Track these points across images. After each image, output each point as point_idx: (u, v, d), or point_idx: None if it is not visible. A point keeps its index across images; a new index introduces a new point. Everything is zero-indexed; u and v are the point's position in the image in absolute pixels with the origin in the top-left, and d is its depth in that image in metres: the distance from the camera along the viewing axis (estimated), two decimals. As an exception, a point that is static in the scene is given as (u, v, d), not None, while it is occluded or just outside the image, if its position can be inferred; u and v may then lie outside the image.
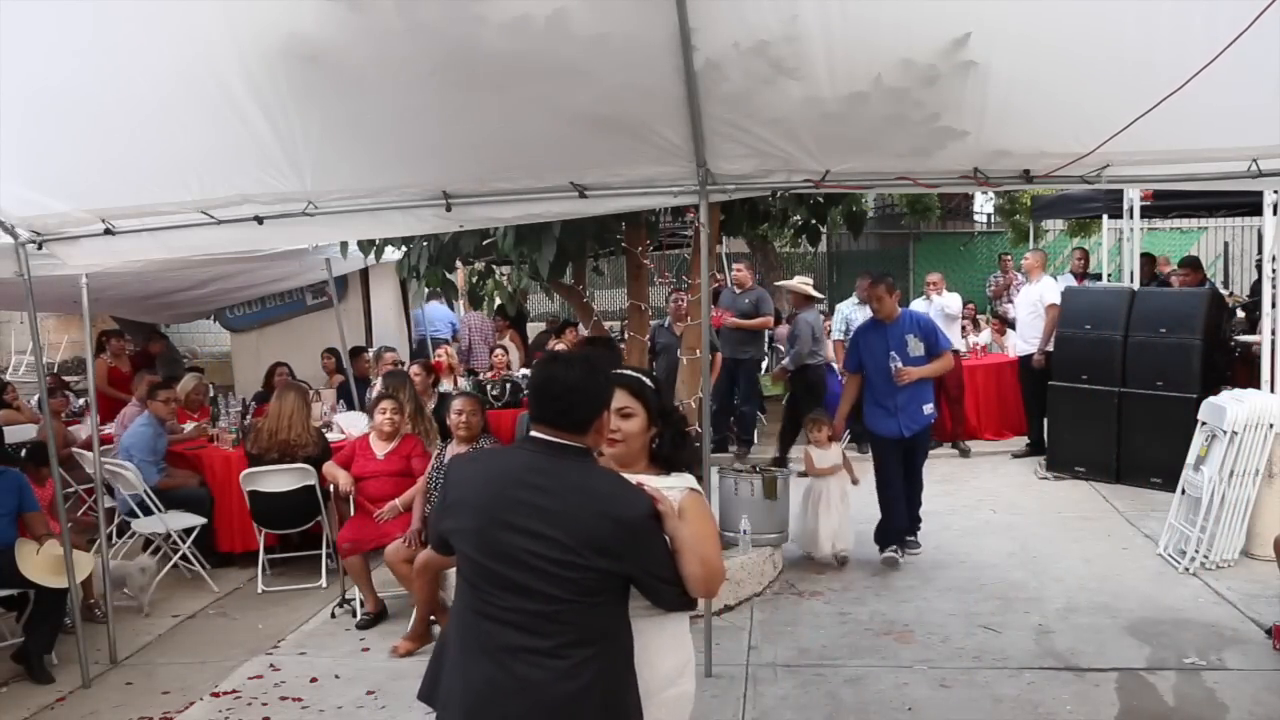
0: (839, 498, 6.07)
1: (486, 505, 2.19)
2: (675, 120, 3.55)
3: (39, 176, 4.10)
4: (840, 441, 5.86)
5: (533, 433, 2.25)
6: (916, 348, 5.86)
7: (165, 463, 6.59)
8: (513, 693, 2.14)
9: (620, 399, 2.38)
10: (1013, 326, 9.66)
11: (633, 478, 2.32)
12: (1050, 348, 8.43)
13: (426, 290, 10.11)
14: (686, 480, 2.40)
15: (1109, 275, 11.02)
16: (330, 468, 5.71)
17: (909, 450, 6.00)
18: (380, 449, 5.61)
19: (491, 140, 3.74)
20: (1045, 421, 8.59)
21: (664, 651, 2.34)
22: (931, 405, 6.01)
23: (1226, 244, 16.49)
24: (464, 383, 8.42)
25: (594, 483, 2.19)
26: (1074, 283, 9.52)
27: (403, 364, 9.05)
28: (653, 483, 2.34)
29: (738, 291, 8.94)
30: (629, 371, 2.55)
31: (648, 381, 2.46)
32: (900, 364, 5.79)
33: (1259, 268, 8.58)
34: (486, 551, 2.17)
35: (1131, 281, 9.51)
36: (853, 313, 8.84)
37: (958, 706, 4.14)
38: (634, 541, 2.14)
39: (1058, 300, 8.43)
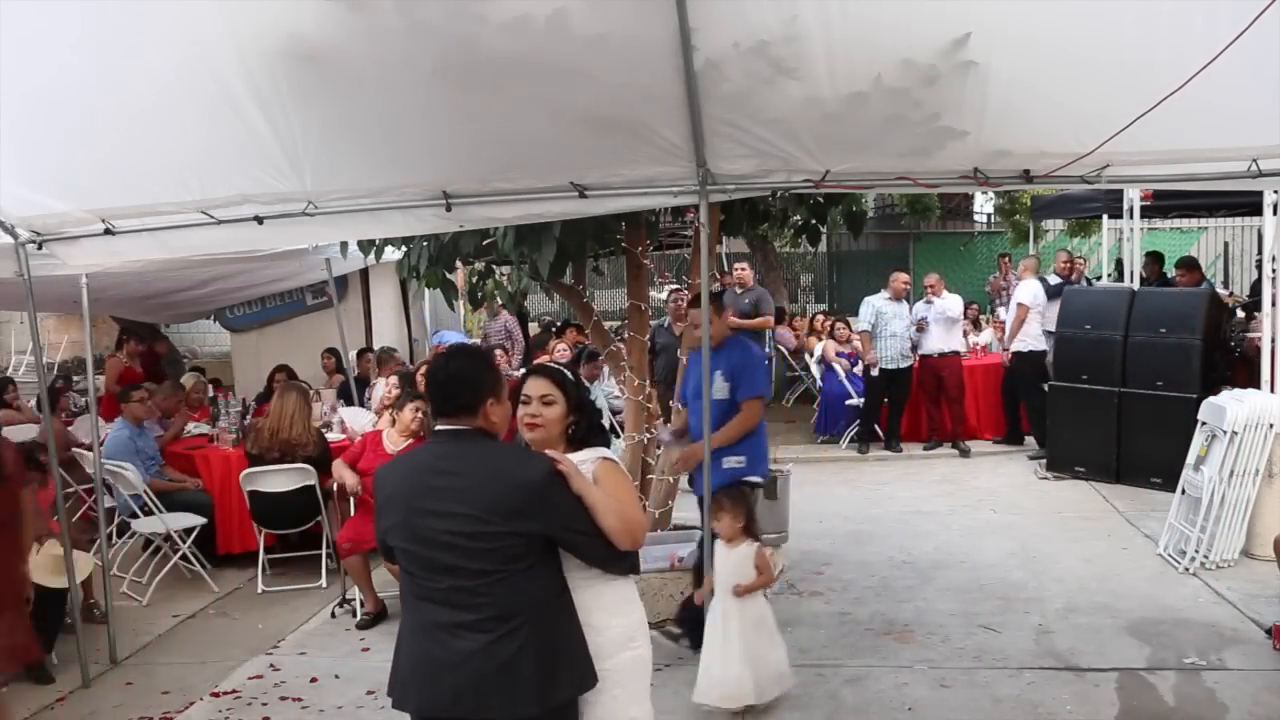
0: (752, 625, 4.04)
1: (406, 497, 2.42)
2: (675, 120, 3.55)
3: (39, 176, 4.10)
4: (754, 541, 4.12)
5: (437, 426, 2.49)
6: (721, 389, 4.56)
7: (163, 461, 6.60)
8: (453, 666, 2.34)
9: (544, 388, 2.60)
10: None
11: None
12: (1020, 347, 8.65)
13: (427, 296, 10.11)
14: (599, 451, 2.59)
15: (1109, 275, 11.02)
16: (339, 467, 5.68)
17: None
18: (395, 445, 5.57)
19: (491, 140, 3.74)
20: (1025, 418, 8.87)
21: (607, 616, 2.48)
22: (740, 459, 4.55)
23: (1226, 244, 16.49)
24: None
25: (494, 457, 2.43)
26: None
27: (403, 365, 9.06)
28: (570, 457, 2.51)
29: (739, 291, 8.95)
30: (552, 365, 2.81)
31: (569, 375, 2.70)
32: (667, 435, 4.62)
33: (1259, 268, 8.59)
34: (413, 539, 2.38)
35: (1132, 281, 9.51)
36: (884, 306, 8.94)
37: (958, 706, 4.14)
38: (541, 500, 2.32)
39: (1026, 300, 8.67)
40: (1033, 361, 8.73)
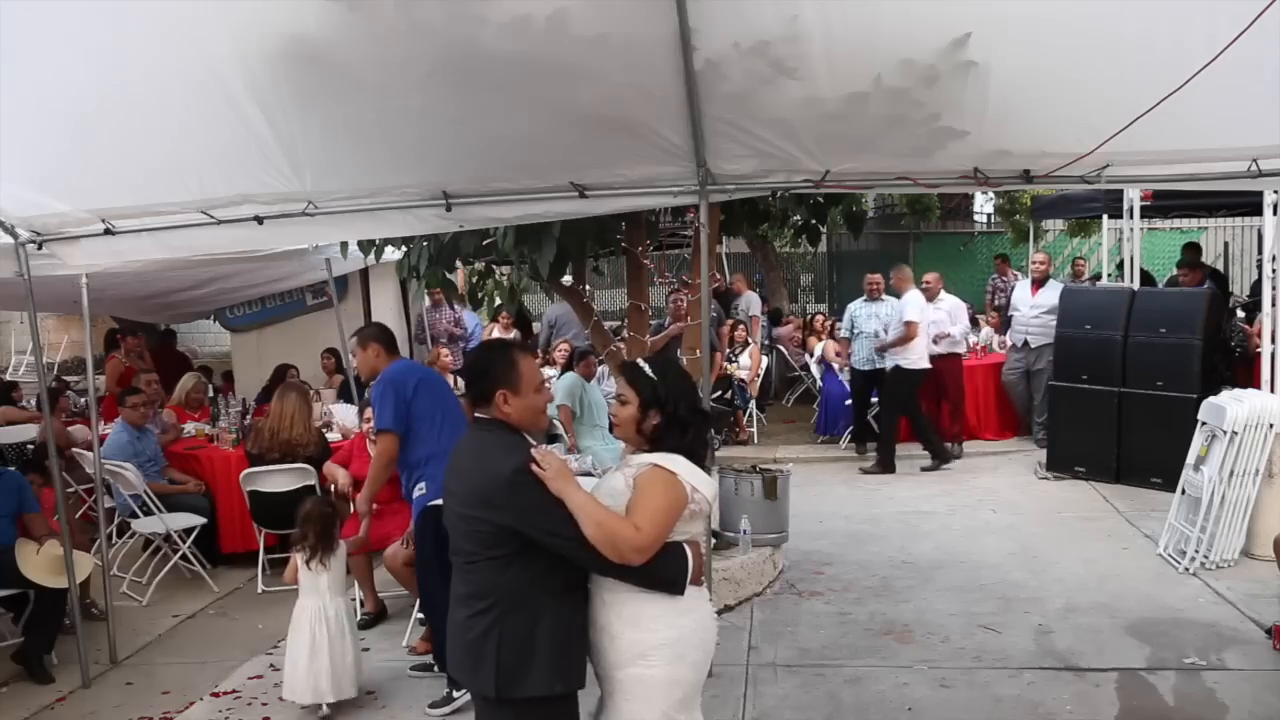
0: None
1: (446, 472, 2.63)
2: (675, 120, 3.55)
3: (39, 176, 4.10)
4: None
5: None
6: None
7: (165, 462, 6.60)
8: (452, 630, 2.57)
9: (620, 386, 2.61)
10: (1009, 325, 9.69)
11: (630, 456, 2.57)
12: (906, 364, 8.31)
13: (427, 296, 10.01)
14: (656, 458, 2.49)
15: (1109, 275, 11.02)
16: (330, 467, 5.72)
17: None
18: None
19: (491, 140, 3.74)
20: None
21: (622, 626, 2.46)
22: (423, 486, 4.31)
23: (1226, 244, 16.48)
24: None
25: (482, 444, 2.53)
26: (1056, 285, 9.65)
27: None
28: (630, 459, 2.54)
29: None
30: (633, 362, 2.74)
31: (646, 372, 2.59)
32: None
33: (1259, 267, 8.59)
34: (445, 510, 2.60)
35: (1133, 281, 9.52)
36: (859, 310, 8.97)
37: (958, 706, 4.14)
38: (510, 494, 2.38)
39: (916, 318, 8.28)
40: (912, 381, 8.41)
